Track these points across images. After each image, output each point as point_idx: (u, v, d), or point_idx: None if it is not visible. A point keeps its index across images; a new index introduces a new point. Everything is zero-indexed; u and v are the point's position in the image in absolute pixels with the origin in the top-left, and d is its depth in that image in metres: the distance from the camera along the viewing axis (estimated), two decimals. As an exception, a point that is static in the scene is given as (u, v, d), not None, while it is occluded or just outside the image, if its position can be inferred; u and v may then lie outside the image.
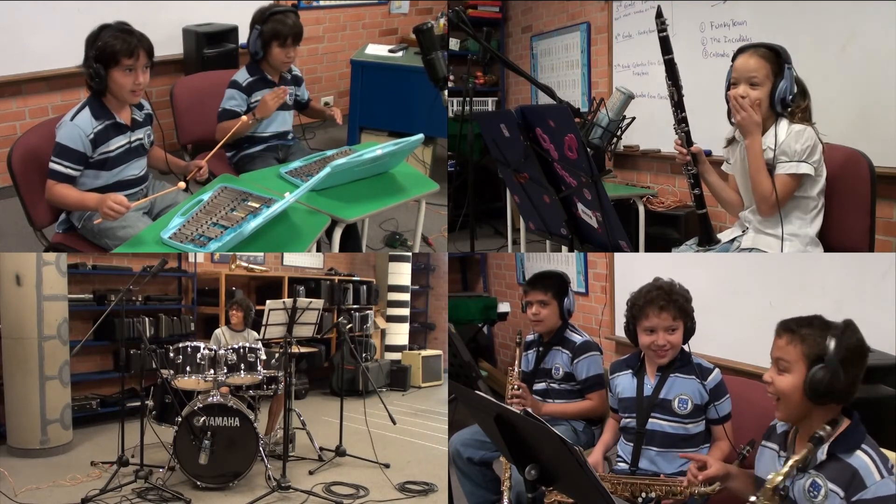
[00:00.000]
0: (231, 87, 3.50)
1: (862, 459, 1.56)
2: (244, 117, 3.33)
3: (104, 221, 2.83)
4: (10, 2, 4.12)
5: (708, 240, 2.56)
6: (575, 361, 2.82)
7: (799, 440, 1.73)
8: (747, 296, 3.25)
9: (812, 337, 1.65)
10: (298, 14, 3.52)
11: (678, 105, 2.42)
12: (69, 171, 2.77)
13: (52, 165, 2.77)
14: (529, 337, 2.99)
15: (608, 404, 2.81)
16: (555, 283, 2.88)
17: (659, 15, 2.35)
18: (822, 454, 1.61)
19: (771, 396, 1.70)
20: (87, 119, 2.77)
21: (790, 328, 1.69)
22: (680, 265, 3.59)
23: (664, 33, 2.36)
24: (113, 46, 2.69)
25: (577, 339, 2.88)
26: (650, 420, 2.30)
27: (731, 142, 2.51)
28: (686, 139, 2.45)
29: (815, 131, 2.28)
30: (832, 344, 1.61)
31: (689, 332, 2.31)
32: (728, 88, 2.35)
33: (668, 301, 2.26)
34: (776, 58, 2.25)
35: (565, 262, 4.90)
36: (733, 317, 3.30)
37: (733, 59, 2.34)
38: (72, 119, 2.76)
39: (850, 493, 1.52)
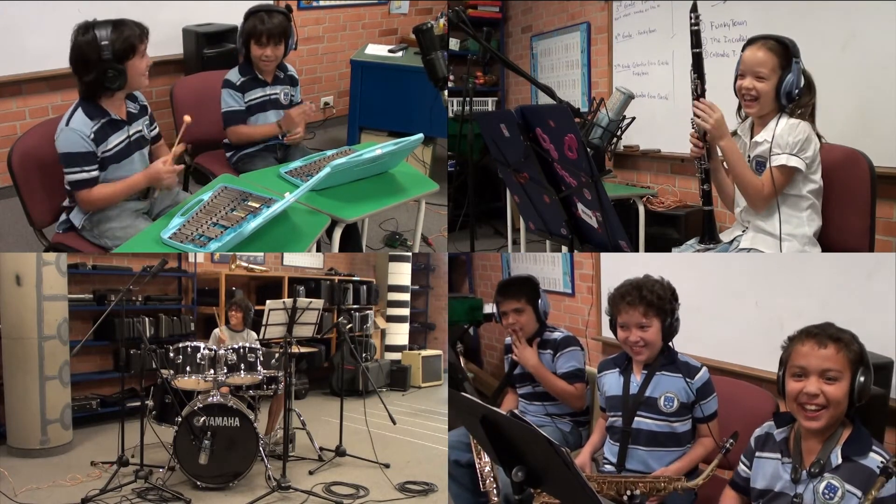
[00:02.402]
0: (225, 86, 3.50)
1: (876, 460, 1.59)
2: (270, 126, 3.53)
3: (109, 220, 2.83)
4: (10, 2, 4.13)
5: (711, 237, 2.56)
6: (557, 356, 2.82)
7: (806, 445, 1.73)
8: (735, 296, 3.26)
9: (853, 344, 1.67)
10: (288, 15, 3.49)
11: (701, 97, 2.42)
12: (89, 174, 2.73)
13: (69, 177, 2.72)
14: (508, 340, 2.98)
15: (586, 401, 2.83)
16: (525, 289, 2.86)
17: (694, 10, 2.39)
18: (836, 458, 1.64)
19: (813, 408, 1.67)
20: (83, 120, 2.72)
21: (835, 337, 1.68)
22: (669, 265, 3.58)
23: (696, 27, 2.40)
24: (130, 39, 2.67)
25: (558, 335, 2.88)
26: (636, 418, 2.29)
27: (733, 134, 2.51)
28: (702, 133, 2.45)
29: (815, 130, 2.28)
30: (863, 349, 1.65)
31: (669, 329, 2.29)
32: (736, 80, 2.36)
33: (637, 297, 2.25)
34: (784, 51, 2.25)
35: (550, 262, 4.89)
36: (721, 317, 3.31)
37: (743, 50, 2.35)
38: (67, 124, 2.71)
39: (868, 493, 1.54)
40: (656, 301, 2.26)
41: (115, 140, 2.83)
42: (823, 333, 1.70)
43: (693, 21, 2.40)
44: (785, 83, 2.24)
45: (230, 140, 3.57)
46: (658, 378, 2.30)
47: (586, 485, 1.38)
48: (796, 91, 2.25)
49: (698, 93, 2.42)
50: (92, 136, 2.73)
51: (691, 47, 2.41)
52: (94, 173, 2.76)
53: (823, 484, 1.63)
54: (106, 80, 2.68)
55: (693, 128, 2.46)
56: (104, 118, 2.78)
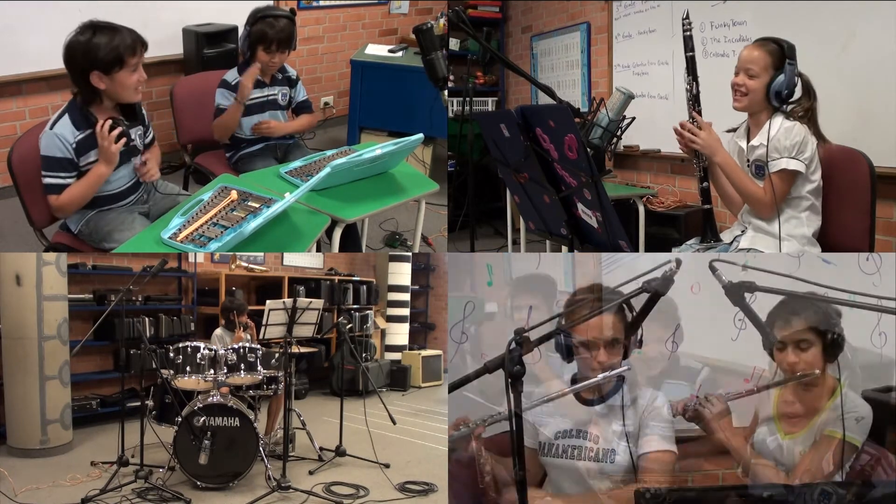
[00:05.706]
0: (221, 86, 3.50)
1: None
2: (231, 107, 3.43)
3: (107, 224, 2.82)
4: (9, 2, 4.12)
5: (712, 235, 2.57)
6: None
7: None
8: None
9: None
10: (293, 19, 3.49)
11: (695, 99, 2.49)
12: (62, 181, 2.67)
13: (45, 180, 2.66)
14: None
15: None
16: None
17: (686, 17, 2.52)
18: None
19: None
20: (67, 128, 2.65)
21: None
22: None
23: (688, 32, 2.51)
24: (117, 49, 2.56)
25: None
26: None
27: (731, 132, 2.53)
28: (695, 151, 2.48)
29: (818, 133, 2.29)
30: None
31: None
32: None
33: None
34: (779, 52, 2.28)
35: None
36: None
37: None
38: (51, 128, 2.65)
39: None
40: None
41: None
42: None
43: (686, 27, 2.50)
44: (774, 83, 2.26)
45: (214, 134, 3.57)
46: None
47: None
48: (785, 92, 2.27)
49: (693, 93, 2.49)
50: (74, 145, 2.66)
51: (685, 51, 2.50)
52: (69, 181, 2.68)
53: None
54: (89, 87, 2.61)
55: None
56: (91, 129, 2.67)
